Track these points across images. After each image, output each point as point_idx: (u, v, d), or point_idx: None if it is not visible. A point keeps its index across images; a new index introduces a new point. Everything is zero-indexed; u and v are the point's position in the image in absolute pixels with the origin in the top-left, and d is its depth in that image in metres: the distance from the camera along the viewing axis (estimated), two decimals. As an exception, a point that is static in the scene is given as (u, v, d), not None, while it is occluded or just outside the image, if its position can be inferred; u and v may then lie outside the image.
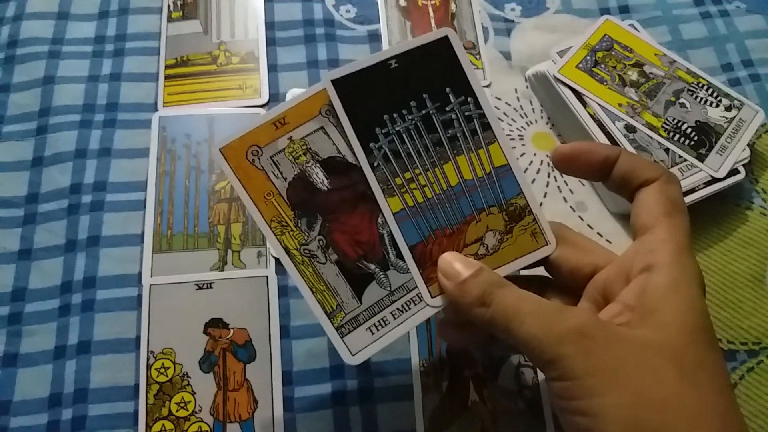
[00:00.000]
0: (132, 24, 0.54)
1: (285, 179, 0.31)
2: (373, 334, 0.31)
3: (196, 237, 0.45)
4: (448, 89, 0.31)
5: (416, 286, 0.32)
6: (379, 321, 0.31)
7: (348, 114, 0.31)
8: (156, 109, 0.50)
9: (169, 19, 0.54)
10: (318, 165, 0.31)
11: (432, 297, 0.31)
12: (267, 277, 0.44)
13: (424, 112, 0.31)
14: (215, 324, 0.43)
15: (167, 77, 0.51)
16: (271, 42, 0.54)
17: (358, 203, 0.32)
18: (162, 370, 0.41)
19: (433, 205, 0.31)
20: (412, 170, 0.31)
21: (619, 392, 0.25)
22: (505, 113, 0.52)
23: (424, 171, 0.31)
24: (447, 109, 0.31)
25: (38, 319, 0.43)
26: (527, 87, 0.53)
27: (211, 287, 0.44)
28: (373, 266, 0.32)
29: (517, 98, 0.53)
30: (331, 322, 0.31)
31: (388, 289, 0.32)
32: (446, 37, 0.31)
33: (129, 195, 0.47)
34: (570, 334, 0.26)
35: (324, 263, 0.31)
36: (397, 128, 0.31)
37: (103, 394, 0.41)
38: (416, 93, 0.31)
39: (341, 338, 0.31)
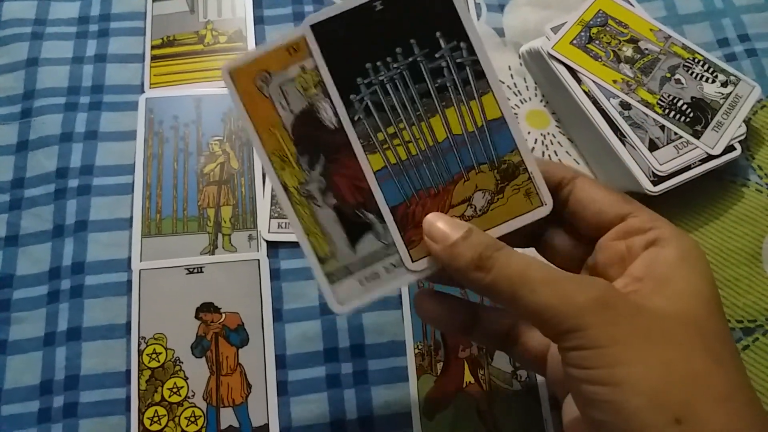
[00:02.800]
0: (116, 3, 0.53)
1: (292, 111, 0.29)
2: (362, 285, 0.30)
3: (185, 220, 0.45)
4: (438, 33, 0.29)
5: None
6: (371, 273, 0.30)
7: (328, 63, 0.28)
8: (142, 91, 0.49)
9: (155, -2, 0.53)
10: (327, 100, 0.29)
11: (413, 261, 0.30)
12: (258, 260, 0.44)
13: (410, 59, 0.29)
14: (207, 308, 0.42)
15: (153, 58, 0.50)
16: (259, 20, 0.53)
17: None
18: (154, 356, 0.41)
19: (417, 163, 0.29)
20: (395, 124, 0.29)
21: (647, 363, 0.24)
22: (498, 91, 0.51)
23: (409, 125, 0.29)
24: (436, 55, 0.29)
25: (27, 305, 0.42)
26: (521, 64, 0.52)
27: (201, 271, 0.43)
28: (371, 216, 0.30)
29: (511, 75, 0.52)
30: (321, 267, 0.30)
31: (385, 242, 0.30)
32: None
33: (116, 179, 0.46)
34: (591, 304, 0.25)
35: (321, 206, 0.29)
36: (380, 78, 0.29)
37: (95, 380, 0.40)
38: (403, 38, 0.29)
39: (330, 285, 0.30)
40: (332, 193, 0.30)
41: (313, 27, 0.28)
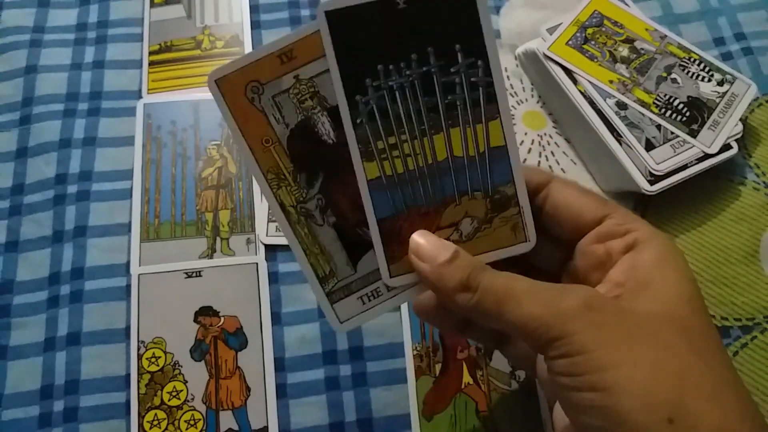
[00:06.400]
0: (114, 10, 0.53)
1: (287, 125, 0.28)
2: (364, 303, 0.29)
3: (183, 225, 0.45)
4: (457, 46, 0.27)
5: None
6: (372, 291, 0.29)
7: (337, 55, 0.26)
8: (140, 97, 0.49)
9: (152, 5, 0.53)
10: (325, 113, 0.28)
11: (390, 276, 0.29)
12: (257, 263, 0.44)
13: (425, 68, 0.27)
14: (205, 312, 0.42)
15: (151, 63, 0.51)
16: (255, 25, 0.53)
17: None
18: (153, 360, 0.41)
19: (412, 179, 0.28)
20: (398, 135, 0.27)
21: (635, 364, 0.24)
22: (495, 93, 0.51)
23: (411, 138, 0.28)
24: (452, 69, 0.27)
25: (27, 311, 0.43)
26: (517, 65, 0.52)
27: (200, 275, 0.43)
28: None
29: (507, 77, 0.52)
30: (322, 286, 0.29)
31: None
32: None
33: (115, 184, 0.46)
34: (577, 309, 0.25)
35: (321, 225, 0.29)
36: (390, 82, 0.27)
37: (95, 385, 0.41)
38: (420, 44, 0.27)
39: (331, 304, 0.29)
40: (332, 211, 0.29)
41: (328, 14, 0.26)
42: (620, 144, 0.44)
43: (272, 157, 0.28)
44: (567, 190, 0.30)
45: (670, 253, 0.28)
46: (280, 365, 0.42)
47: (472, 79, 0.27)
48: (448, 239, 0.29)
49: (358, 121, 0.27)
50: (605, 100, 0.45)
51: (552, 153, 0.49)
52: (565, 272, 0.31)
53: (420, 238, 0.28)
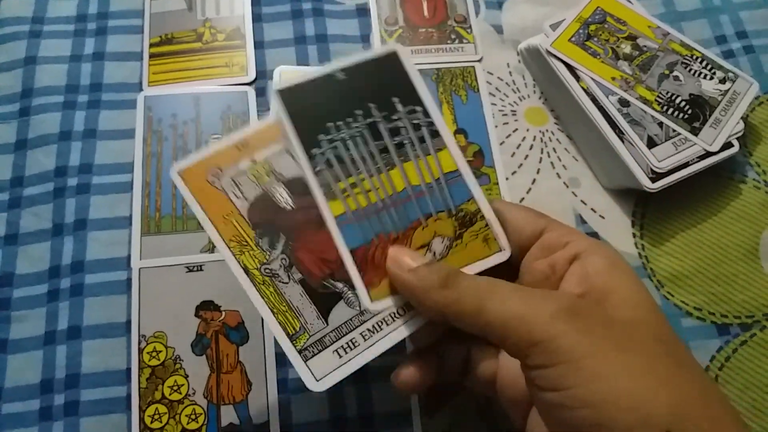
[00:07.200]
0: (114, 1, 0.53)
1: (246, 199, 0.31)
2: (340, 357, 0.29)
3: (185, 219, 0.45)
4: (395, 99, 0.31)
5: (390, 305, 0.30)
6: (347, 343, 0.29)
7: (292, 120, 0.30)
8: (141, 89, 0.49)
9: (153, -4, 0.53)
10: (282, 185, 0.31)
11: (372, 301, 0.30)
12: (258, 258, 0.44)
13: (369, 120, 0.31)
14: (207, 306, 0.42)
15: (152, 56, 0.50)
16: (257, 18, 0.52)
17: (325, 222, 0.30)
18: (154, 354, 0.41)
19: (377, 210, 0.30)
20: (356, 175, 0.30)
21: (627, 375, 0.22)
22: (497, 88, 0.51)
23: (369, 176, 0.31)
24: (394, 117, 0.31)
25: (27, 304, 0.42)
26: (519, 61, 0.52)
27: (201, 269, 0.43)
28: (341, 285, 0.30)
29: (510, 73, 0.52)
30: (293, 344, 0.29)
31: (358, 308, 0.30)
32: (395, 52, 0.32)
33: (115, 177, 0.46)
34: (562, 312, 0.24)
35: (287, 283, 0.30)
36: (341, 135, 0.30)
37: (95, 378, 0.40)
38: (362, 102, 0.31)
39: (304, 362, 0.29)
40: (297, 269, 0.30)
41: (280, 92, 0.30)
42: (622, 141, 0.44)
43: (234, 228, 0.30)
44: (507, 207, 0.31)
45: (617, 260, 0.28)
46: (282, 360, 0.41)
47: (414, 122, 0.31)
48: None
49: (317, 169, 0.30)
50: (607, 97, 0.45)
51: (554, 149, 0.49)
52: None
53: (398, 250, 0.29)
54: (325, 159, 0.30)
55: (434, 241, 0.31)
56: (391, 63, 0.32)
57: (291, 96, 0.30)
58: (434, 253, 0.30)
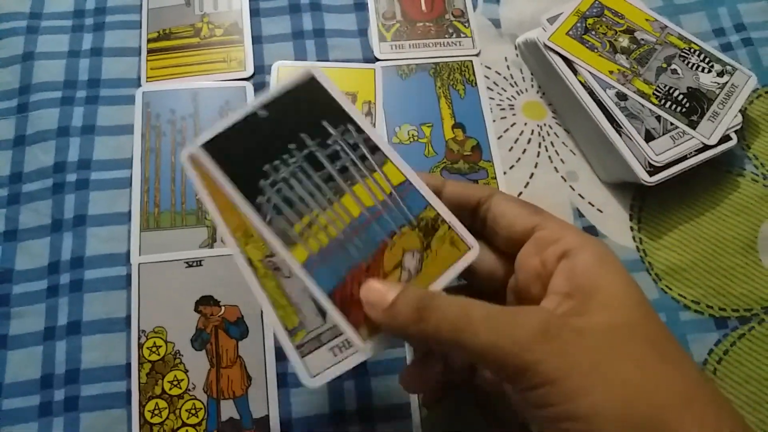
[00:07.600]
0: (112, -3, 0.53)
1: None
2: (335, 355, 0.29)
3: (183, 214, 0.45)
4: (325, 122, 0.30)
5: None
6: (343, 342, 0.29)
7: (226, 173, 0.28)
8: (139, 85, 0.49)
9: (150, -9, 0.53)
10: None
11: (364, 341, 0.29)
12: (257, 253, 0.44)
13: (306, 151, 0.30)
14: (206, 301, 0.42)
15: (150, 51, 0.50)
16: (255, 13, 0.52)
17: None
18: (154, 349, 0.41)
19: (341, 243, 0.29)
20: (309, 213, 0.29)
21: (606, 386, 0.23)
22: (495, 82, 0.51)
23: (322, 210, 0.29)
24: (329, 142, 0.30)
25: (27, 300, 0.43)
26: (517, 55, 0.52)
27: (200, 265, 0.43)
28: None
29: (507, 67, 0.52)
30: (291, 340, 0.29)
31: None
32: (312, 76, 0.31)
33: (114, 173, 0.46)
34: (535, 337, 0.24)
35: (288, 277, 0.29)
36: (282, 175, 0.29)
37: (95, 374, 0.41)
38: (293, 135, 0.30)
39: (301, 358, 0.29)
40: None
41: (205, 146, 0.28)
42: (620, 135, 0.44)
43: (239, 218, 0.29)
44: (504, 201, 0.31)
45: (605, 255, 0.28)
46: (281, 354, 0.42)
47: (351, 142, 0.30)
48: (399, 280, 0.29)
49: (268, 219, 0.29)
50: (605, 91, 0.45)
51: (551, 143, 0.49)
52: (509, 289, 0.31)
53: (367, 290, 0.28)
54: (272, 205, 0.29)
55: (405, 257, 0.30)
56: (310, 87, 0.31)
57: (216, 148, 0.28)
58: (408, 271, 0.30)
